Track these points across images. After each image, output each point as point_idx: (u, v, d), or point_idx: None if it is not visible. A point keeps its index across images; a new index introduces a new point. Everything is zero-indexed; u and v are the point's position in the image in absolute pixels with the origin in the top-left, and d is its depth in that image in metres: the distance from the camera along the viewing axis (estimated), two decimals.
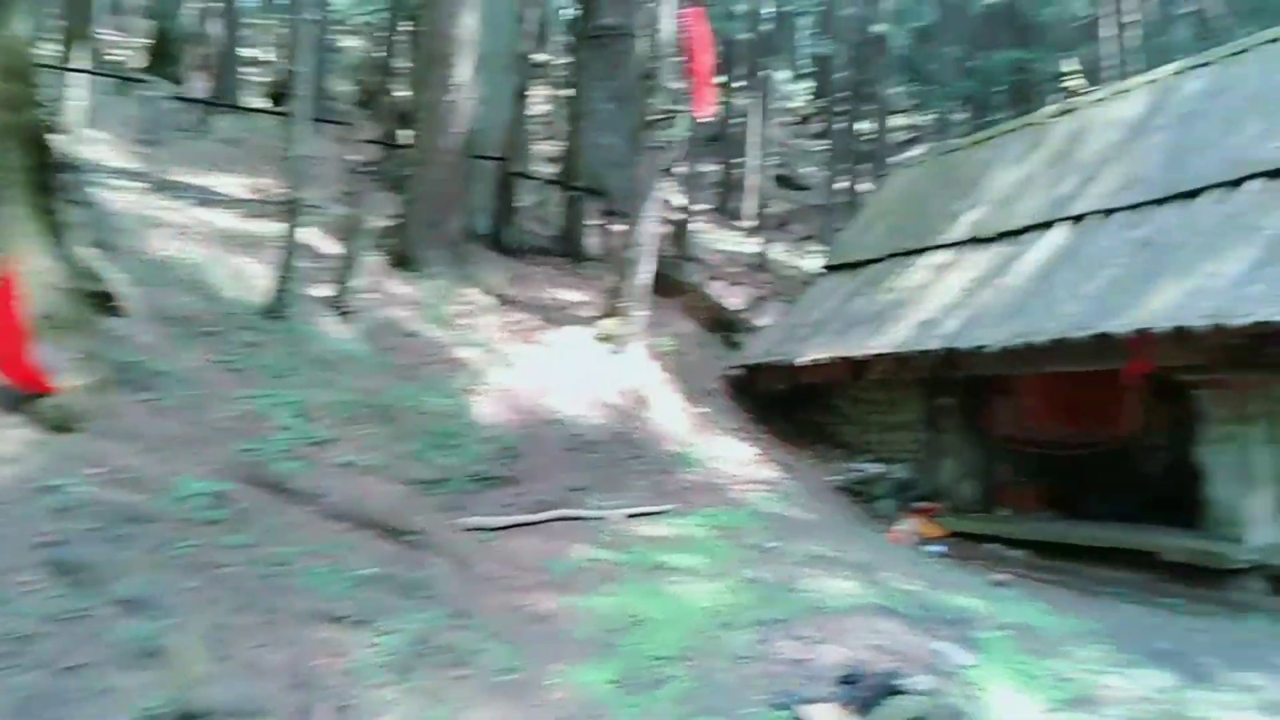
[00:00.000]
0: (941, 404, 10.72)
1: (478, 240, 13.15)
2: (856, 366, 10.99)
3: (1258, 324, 6.46)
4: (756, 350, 12.73)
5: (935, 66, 42.57)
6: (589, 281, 14.01)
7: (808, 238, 31.35)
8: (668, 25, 11.39)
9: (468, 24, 11.23)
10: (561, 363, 10.59)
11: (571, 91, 16.27)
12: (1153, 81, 10.65)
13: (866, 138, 33.42)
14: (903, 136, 34.11)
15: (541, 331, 11.09)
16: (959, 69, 42.25)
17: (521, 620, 5.22)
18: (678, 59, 12.00)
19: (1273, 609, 6.97)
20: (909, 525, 10.02)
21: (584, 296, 12.88)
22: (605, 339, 11.27)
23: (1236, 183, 8.39)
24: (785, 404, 13.20)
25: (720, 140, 33.75)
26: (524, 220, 16.67)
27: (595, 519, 7.93)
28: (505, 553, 6.64)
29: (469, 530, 6.97)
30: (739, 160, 33.38)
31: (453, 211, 11.44)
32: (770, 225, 30.31)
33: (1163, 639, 6.16)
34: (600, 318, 11.61)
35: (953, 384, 10.46)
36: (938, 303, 10.31)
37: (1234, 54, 9.78)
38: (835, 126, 33.30)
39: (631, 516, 8.15)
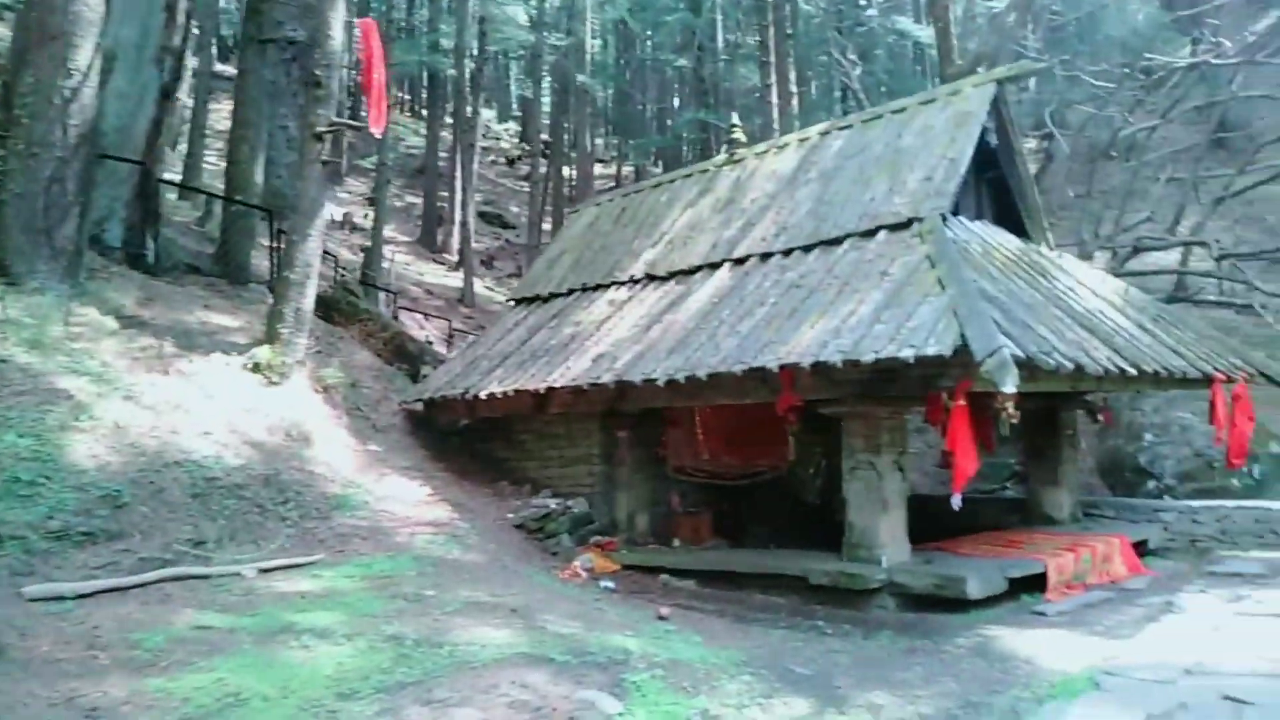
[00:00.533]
0: (618, 437, 10.73)
1: (106, 253, 11.26)
2: (538, 399, 10.72)
3: (880, 360, 6.99)
4: (436, 383, 12.05)
5: (633, 121, 45.04)
6: (248, 305, 12.54)
7: (514, 274, 31.32)
8: (338, 34, 10.55)
9: None
10: (201, 395, 9.20)
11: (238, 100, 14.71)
12: (804, 139, 11.62)
13: (570, 183, 34.29)
14: (603, 186, 35.33)
15: (179, 359, 9.60)
16: (654, 124, 44.94)
17: (71, 718, 4.11)
18: (350, 70, 11.16)
19: (899, 625, 7.53)
20: (585, 561, 9.82)
21: (238, 321, 11.46)
22: (258, 369, 10.01)
23: (870, 233, 9.24)
24: (467, 439, 12.62)
25: (426, 173, 32.95)
26: (174, 235, 14.71)
27: (222, 576, 6.79)
28: (83, 627, 5.38)
29: (35, 600, 5.59)
30: (445, 194, 32.84)
31: (66, 217, 9.62)
32: (476, 261, 29.94)
33: (805, 663, 6.34)
34: (254, 345, 10.33)
35: (628, 417, 10.51)
36: (614, 337, 10.34)
37: (868, 120, 10.94)
38: (541, 169, 33.87)
39: (268, 571, 7.10)
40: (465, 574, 7.77)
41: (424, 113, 41.82)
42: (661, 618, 7.66)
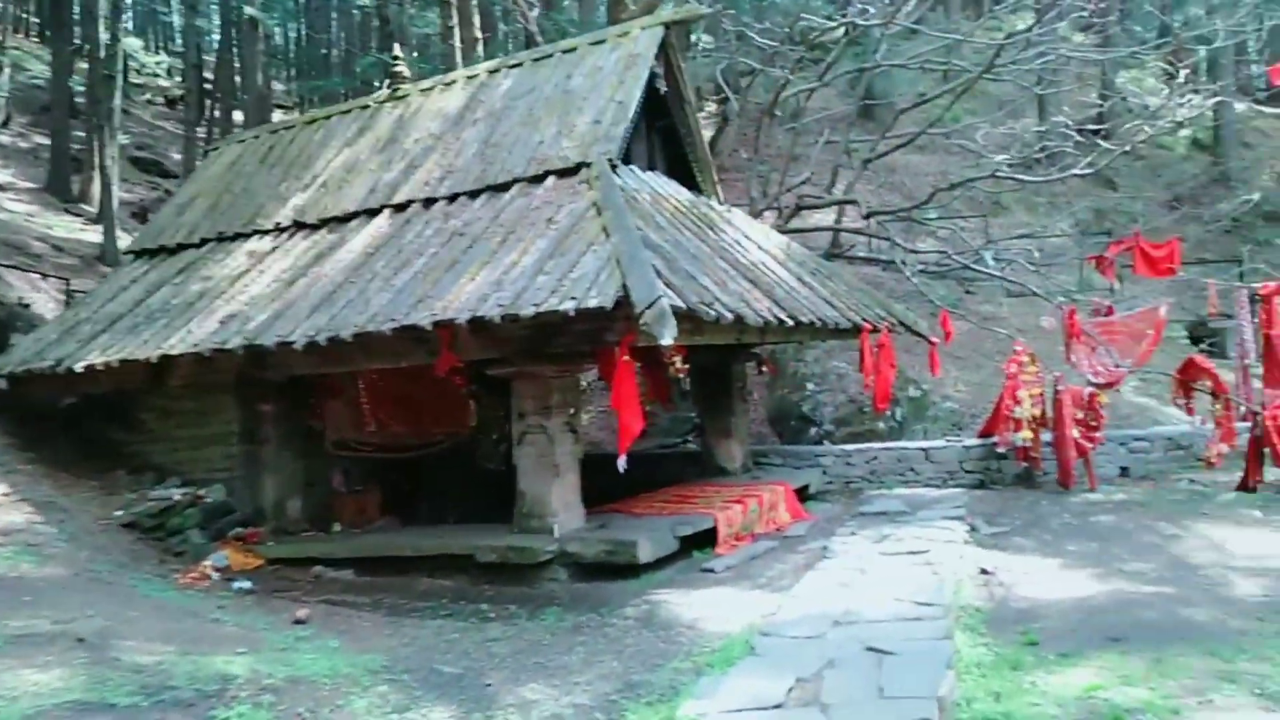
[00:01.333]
0: (261, 411, 9.24)
1: None
2: (153, 370, 8.89)
3: (540, 314, 6.33)
4: (22, 354, 9.69)
5: (318, 65, 41.12)
6: None
7: None
8: None
9: None
10: None
11: None
12: (472, 77, 10.69)
13: (240, 127, 30.38)
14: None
15: None
16: (340, 68, 41.37)
17: None
18: None
19: (570, 598, 7.03)
20: (218, 560, 8.33)
21: None
22: None
23: (538, 178, 8.56)
24: (73, 422, 10.36)
25: (54, 109, 27.40)
26: None
27: None
28: None
29: None
30: (84, 135, 27.53)
31: None
32: (126, 213, 25.48)
33: (456, 659, 5.59)
34: None
35: (272, 387, 9.07)
36: (250, 294, 8.81)
37: (539, 59, 10.24)
38: (207, 111, 29.64)
39: None
40: (28, 595, 6.08)
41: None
42: (298, 621, 6.54)
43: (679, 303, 6.20)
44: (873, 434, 12.66)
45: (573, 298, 6.29)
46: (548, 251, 7.09)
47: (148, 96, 39.01)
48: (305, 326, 7.61)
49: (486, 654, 5.74)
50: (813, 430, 13.08)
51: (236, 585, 7.77)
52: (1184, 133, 26.30)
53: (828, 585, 6.41)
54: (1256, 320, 11.48)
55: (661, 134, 10.24)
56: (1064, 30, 30.59)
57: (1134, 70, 28.01)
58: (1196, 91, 27.56)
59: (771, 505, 9.40)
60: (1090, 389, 9.82)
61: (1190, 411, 9.70)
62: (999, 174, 13.50)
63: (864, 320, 9.87)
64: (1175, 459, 10.84)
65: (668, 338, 5.70)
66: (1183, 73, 25.53)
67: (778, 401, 14.00)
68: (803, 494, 10.36)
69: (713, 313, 6.47)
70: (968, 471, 10.73)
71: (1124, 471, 10.62)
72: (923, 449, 10.98)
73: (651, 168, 9.82)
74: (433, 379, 9.48)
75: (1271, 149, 25.69)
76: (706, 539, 8.21)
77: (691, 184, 10.42)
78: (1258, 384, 10.38)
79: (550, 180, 8.41)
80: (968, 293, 17.14)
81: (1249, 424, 9.35)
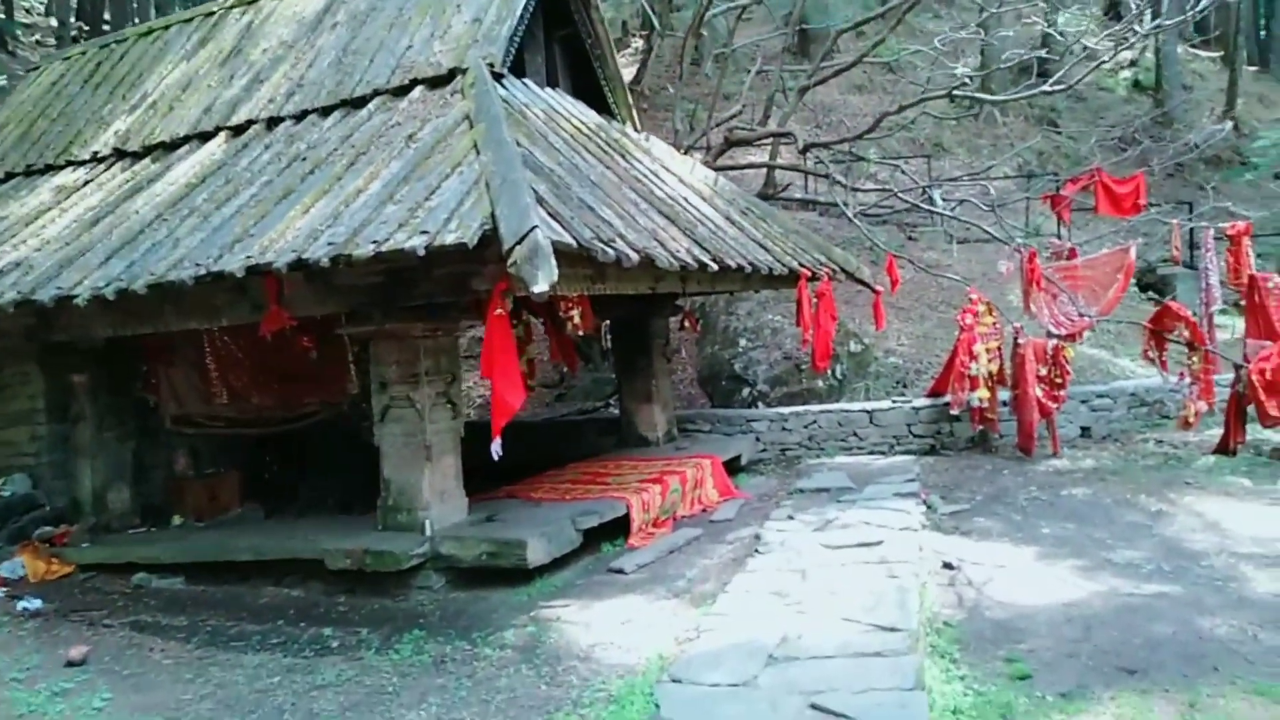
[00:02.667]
0: (73, 383, 7.51)
1: None
2: None
3: (383, 254, 4.77)
4: None
5: None
6: None
7: None
8: None
9: None
10: None
11: None
12: None
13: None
14: None
15: None
16: None
17: None
18: None
19: (442, 616, 5.58)
20: (11, 569, 6.68)
21: None
22: None
23: (403, 89, 6.92)
24: None
25: None
26: None
27: None
28: None
29: None
30: None
31: None
32: None
33: None
34: None
35: (86, 354, 7.34)
36: (43, 237, 7.02)
37: None
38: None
39: None
40: None
41: None
42: (71, 663, 4.97)
43: (566, 238, 4.72)
44: (811, 394, 11.40)
45: (424, 232, 4.75)
46: (401, 175, 5.50)
47: (37, 38, 35.46)
48: (96, 277, 5.91)
49: (307, 713, 4.28)
50: (746, 391, 11.77)
51: (22, 604, 6.14)
52: (1125, 74, 25.57)
53: (759, 594, 5.09)
54: (1223, 263, 10.51)
55: (565, 46, 8.63)
56: None
57: (1073, 10, 27.11)
58: (1135, 31, 26.80)
59: (697, 482, 8.08)
60: (1054, 341, 8.68)
61: (1164, 366, 8.64)
62: (955, 93, 12.21)
63: (801, 266, 8.53)
64: (1139, 417, 9.85)
65: (542, 282, 4.22)
66: (1125, 14, 24.68)
67: (708, 360, 12.66)
68: (733, 466, 9.08)
69: (611, 251, 5.00)
70: (917, 436, 9.56)
71: (1085, 432, 9.59)
72: (866, 411, 9.77)
73: (552, 85, 8.24)
74: (298, 339, 7.89)
75: (1209, 92, 25.08)
76: (619, 527, 6.87)
77: (602, 107, 8.86)
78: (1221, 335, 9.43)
79: (418, 91, 6.77)
80: (910, 239, 15.98)
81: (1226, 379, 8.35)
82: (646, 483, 7.49)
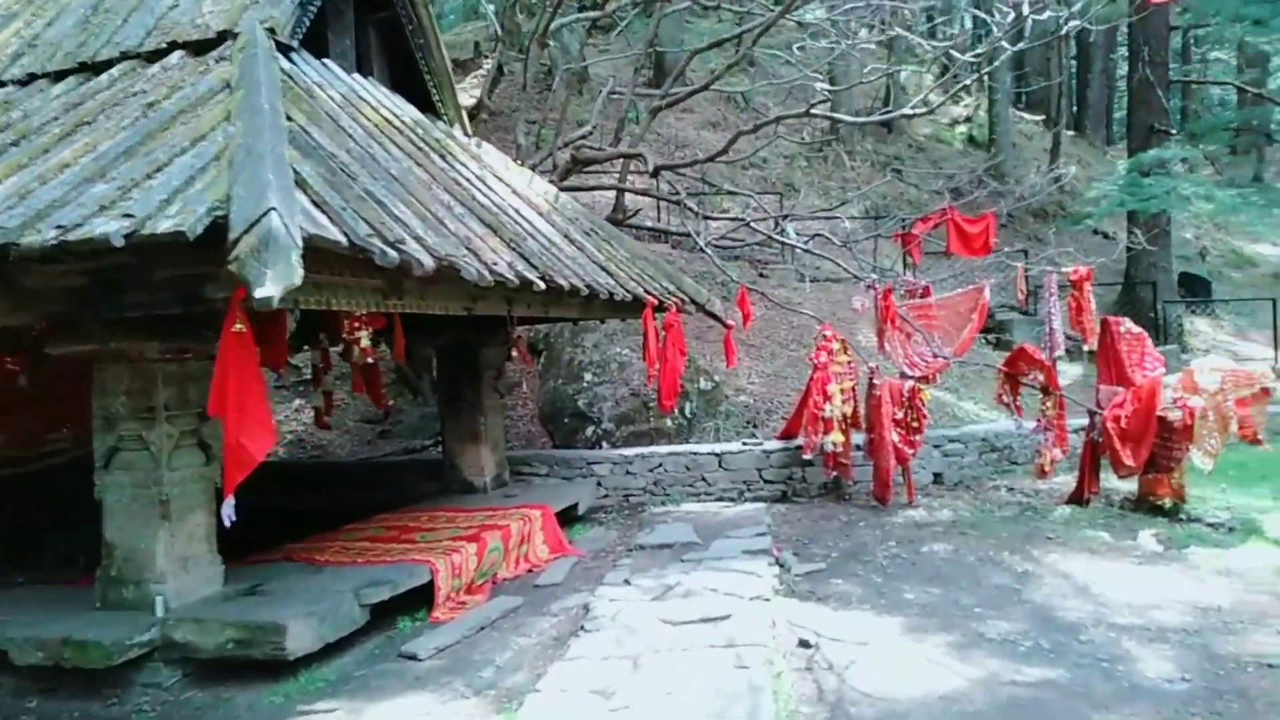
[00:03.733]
0: None
1: None
2: None
3: (67, 243, 3.46)
4: None
5: None
6: None
7: None
8: None
9: None
10: None
11: None
12: None
13: None
14: None
15: None
16: None
17: None
18: None
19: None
20: None
21: None
22: None
23: (159, 53, 5.57)
24: None
25: None
26: None
27: None
28: None
29: None
30: None
31: None
32: None
33: None
34: None
35: None
36: None
37: None
38: None
39: None
40: None
41: None
42: None
43: (332, 232, 3.57)
44: (659, 433, 10.54)
45: (129, 216, 3.48)
46: (124, 147, 4.19)
47: None
48: None
49: None
50: (590, 430, 10.76)
51: None
52: (960, 129, 26.78)
53: (578, 692, 4.04)
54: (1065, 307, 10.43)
55: (381, 32, 7.47)
56: (853, 26, 30.51)
57: (915, 69, 28.29)
58: (969, 91, 28.13)
59: (524, 538, 6.97)
60: (911, 383, 8.16)
61: (1019, 411, 8.28)
62: (814, 112, 11.82)
63: (648, 294, 7.66)
64: (989, 463, 9.53)
65: (271, 286, 3.05)
66: (964, 77, 25.76)
67: (551, 395, 11.59)
68: (569, 515, 8.04)
69: (394, 253, 3.87)
70: (768, 481, 8.82)
71: (937, 479, 9.15)
72: (716, 454, 8.96)
73: (364, 73, 7.06)
74: (3, 357, 6.28)
75: (1035, 151, 26.57)
76: (423, 595, 5.67)
77: (426, 105, 7.75)
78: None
79: (176, 56, 5.44)
80: (762, 275, 15.61)
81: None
82: (462, 540, 6.32)
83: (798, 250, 10.55)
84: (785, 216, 12.76)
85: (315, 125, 4.83)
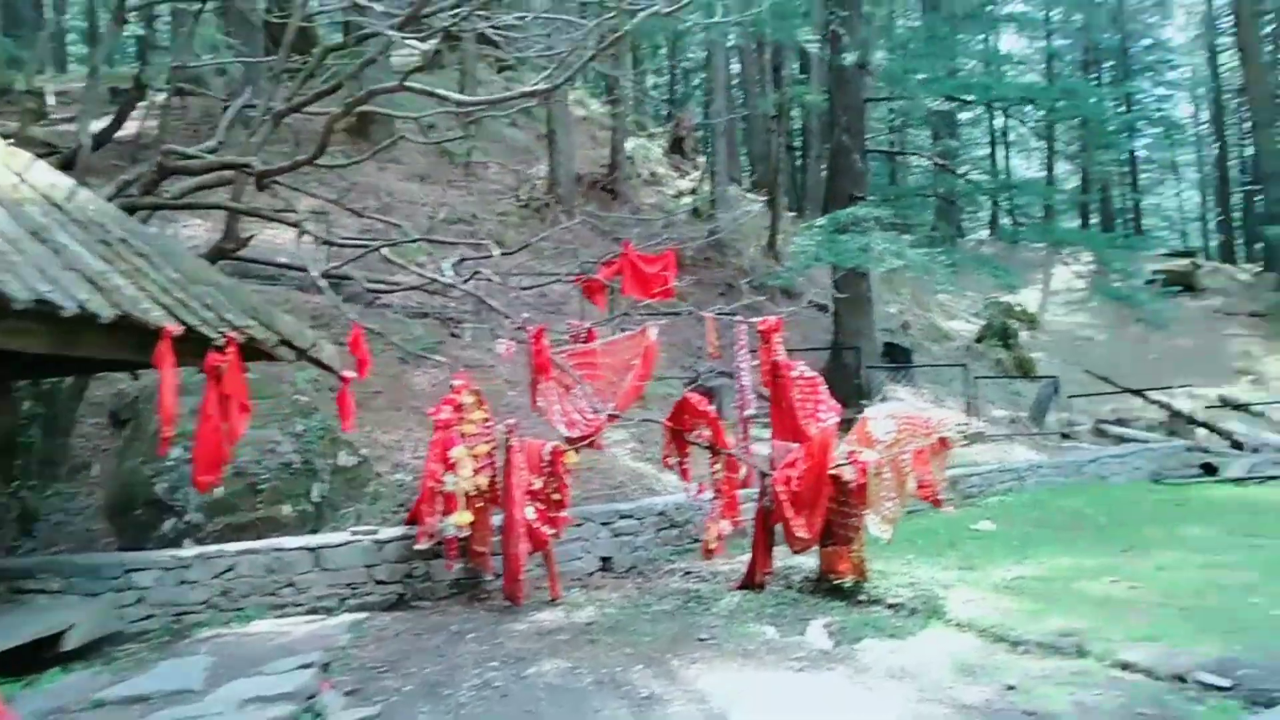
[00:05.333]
0: None
1: None
2: None
3: None
4: None
5: None
6: None
7: None
8: None
9: None
10: None
11: None
12: None
13: None
14: None
15: None
16: None
17: None
18: None
19: None
20: None
21: None
22: None
23: None
24: None
25: None
26: None
27: None
28: None
29: None
30: None
31: None
32: None
33: None
34: None
35: None
36: None
37: None
38: None
39: None
40: None
41: None
42: None
43: None
44: (273, 525, 8.08)
45: None
46: None
47: None
48: None
49: None
50: (169, 523, 8.08)
51: None
52: (685, 200, 26.90)
53: None
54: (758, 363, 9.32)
55: None
56: (578, 94, 30.27)
57: (643, 139, 28.37)
58: (696, 167, 28.59)
59: None
60: (553, 444, 6.47)
61: (686, 475, 6.82)
62: (465, 109, 10.16)
63: (184, 324, 5.43)
64: (668, 541, 8.03)
65: None
66: (687, 150, 26.00)
67: (126, 479, 8.76)
68: (52, 647, 5.43)
69: None
70: (380, 582, 6.70)
71: (606, 564, 7.49)
72: (310, 549, 6.73)
73: None
74: None
75: (755, 228, 27.20)
76: None
77: None
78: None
79: None
80: (453, 335, 13.74)
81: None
82: None
83: (490, 306, 8.74)
84: (462, 261, 10.96)
85: None
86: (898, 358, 18.90)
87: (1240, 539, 7.59)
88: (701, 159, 29.05)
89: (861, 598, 5.97)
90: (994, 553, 7.09)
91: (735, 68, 31.37)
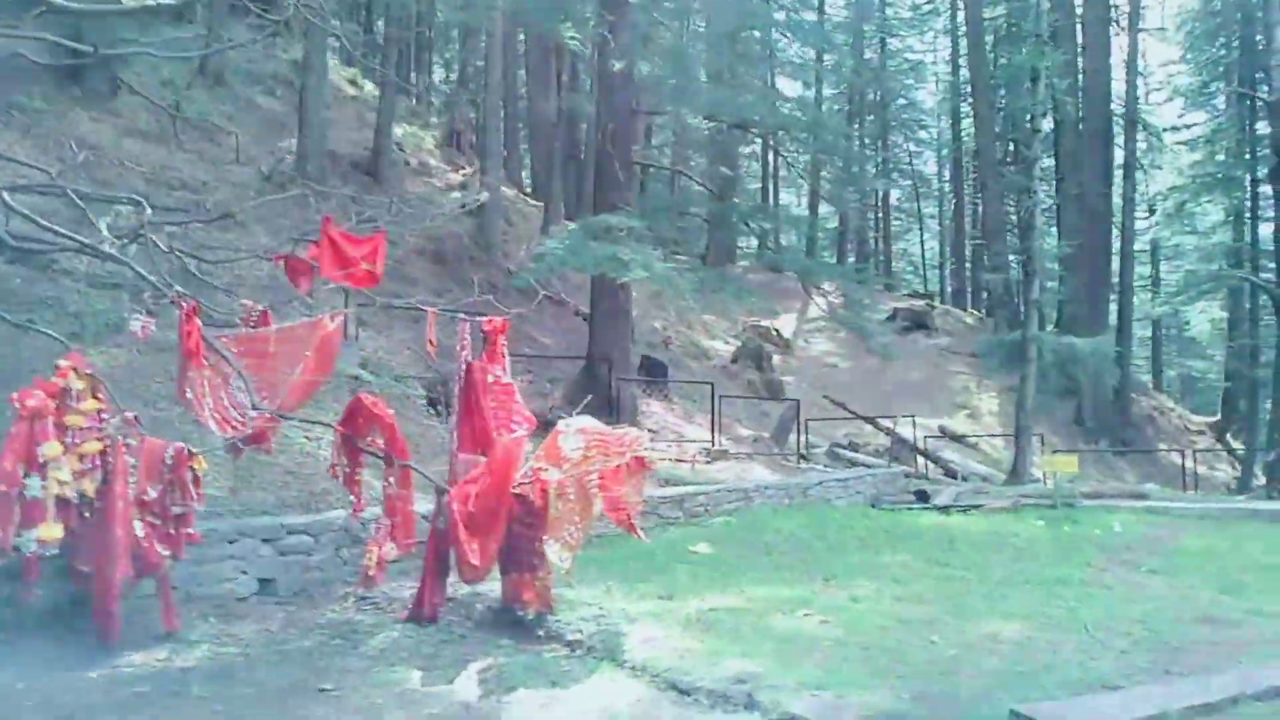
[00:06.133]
0: None
1: None
2: None
3: None
4: None
5: None
6: None
7: None
8: None
9: None
10: None
11: None
12: None
13: None
14: None
15: None
16: None
17: None
18: None
19: None
20: None
21: None
22: None
23: None
24: None
25: None
26: None
27: None
28: None
29: None
30: None
31: None
32: None
33: None
34: None
35: None
36: None
37: None
38: None
39: None
40: None
41: None
42: None
43: None
44: None
45: None
46: None
47: None
48: None
49: None
50: None
51: None
52: (455, 195, 25.74)
53: None
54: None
55: None
56: (351, 73, 28.34)
57: (414, 128, 26.93)
58: (472, 163, 27.47)
59: None
60: (177, 445, 5.28)
61: (354, 488, 5.83)
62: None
63: None
64: (350, 560, 6.96)
65: None
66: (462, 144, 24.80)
67: None
68: None
69: None
70: None
71: (265, 586, 6.32)
72: None
73: None
74: None
75: (528, 229, 26.51)
76: None
77: None
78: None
79: None
80: (149, 313, 11.79)
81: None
82: None
83: (141, 274, 7.13)
84: (143, 226, 9.23)
85: None
86: (654, 372, 18.82)
87: (935, 568, 7.70)
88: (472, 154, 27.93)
89: (540, 633, 5.27)
90: (699, 580, 6.68)
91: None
